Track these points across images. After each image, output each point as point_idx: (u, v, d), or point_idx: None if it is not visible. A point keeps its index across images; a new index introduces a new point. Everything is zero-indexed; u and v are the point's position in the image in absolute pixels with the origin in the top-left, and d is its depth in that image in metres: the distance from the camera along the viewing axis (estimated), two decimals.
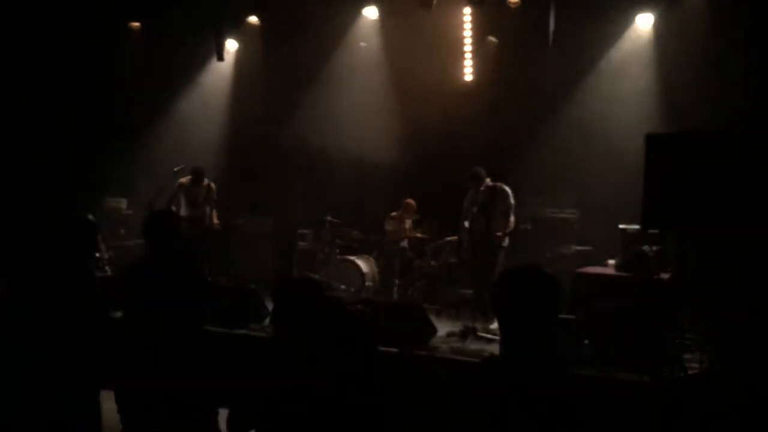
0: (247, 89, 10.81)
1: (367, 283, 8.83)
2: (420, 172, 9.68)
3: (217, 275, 8.63)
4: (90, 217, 6.77)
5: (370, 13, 9.86)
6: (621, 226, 6.62)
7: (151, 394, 3.65)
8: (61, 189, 9.64)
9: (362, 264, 8.95)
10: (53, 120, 10.16)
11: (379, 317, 6.37)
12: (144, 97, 10.54)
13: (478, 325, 7.06)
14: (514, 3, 8.68)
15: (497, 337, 5.74)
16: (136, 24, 10.61)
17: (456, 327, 7.19)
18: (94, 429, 3.60)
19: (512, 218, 7.75)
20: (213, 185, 9.14)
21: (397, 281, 8.94)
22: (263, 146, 10.63)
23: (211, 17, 9.98)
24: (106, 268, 8.82)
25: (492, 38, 9.35)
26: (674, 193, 5.29)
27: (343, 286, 8.80)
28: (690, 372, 5.35)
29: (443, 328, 6.99)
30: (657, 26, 8.54)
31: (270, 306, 5.02)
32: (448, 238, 8.89)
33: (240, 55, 10.80)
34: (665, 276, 5.93)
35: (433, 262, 8.95)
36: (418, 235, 9.00)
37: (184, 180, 9.05)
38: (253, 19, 10.29)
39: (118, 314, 3.89)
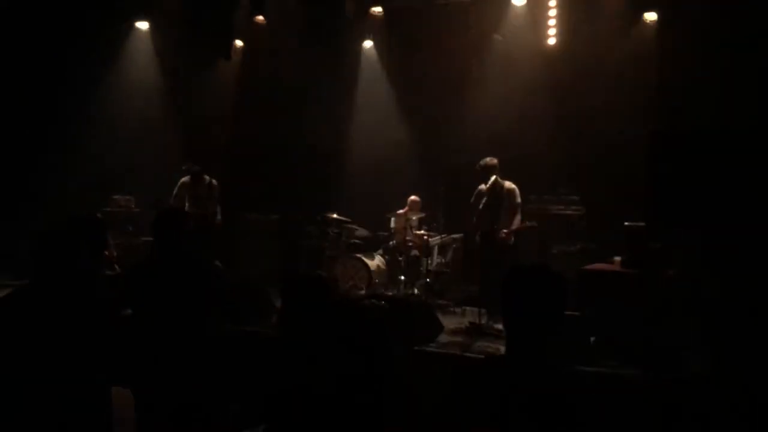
0: (254, 87, 10.86)
1: (374, 280, 8.83)
2: (426, 169, 9.71)
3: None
4: (98, 215, 6.84)
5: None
6: (626, 223, 6.65)
7: (161, 393, 3.67)
8: (69, 187, 9.68)
9: (369, 261, 8.97)
10: (61, 117, 10.21)
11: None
12: (152, 94, 10.58)
13: (484, 322, 7.09)
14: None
15: (503, 335, 5.75)
16: (145, 22, 10.69)
17: (462, 324, 7.23)
18: (105, 428, 3.63)
19: (518, 217, 7.76)
20: (215, 182, 9.01)
21: (403, 278, 8.95)
22: (269, 144, 10.66)
23: (220, 17, 10.02)
24: (115, 266, 8.84)
25: (498, 35, 9.40)
26: (678, 191, 5.31)
27: (351, 283, 8.81)
28: (690, 372, 5.37)
29: (449, 325, 7.02)
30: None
31: (277, 303, 5.04)
32: (454, 235, 8.90)
33: (246, 53, 10.85)
34: (670, 273, 5.95)
35: (439, 259, 8.96)
36: (424, 231, 9.02)
37: (185, 179, 9.03)
38: (259, 18, 10.33)
39: (128, 312, 3.93)
